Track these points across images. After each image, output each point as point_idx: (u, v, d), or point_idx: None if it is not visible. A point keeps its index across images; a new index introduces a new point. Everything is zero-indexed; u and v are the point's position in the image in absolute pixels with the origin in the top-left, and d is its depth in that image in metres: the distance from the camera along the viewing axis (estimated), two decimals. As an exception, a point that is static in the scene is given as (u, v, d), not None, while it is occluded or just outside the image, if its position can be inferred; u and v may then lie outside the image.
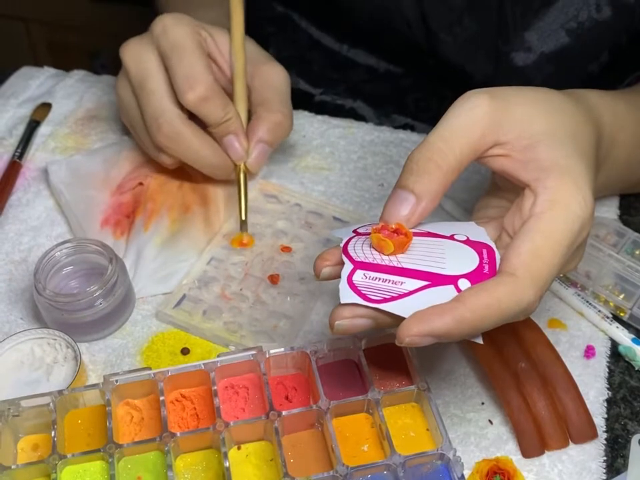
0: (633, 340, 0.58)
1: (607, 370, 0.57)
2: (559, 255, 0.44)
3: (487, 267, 0.46)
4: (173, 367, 0.52)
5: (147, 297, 0.63)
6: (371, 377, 0.52)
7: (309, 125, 0.77)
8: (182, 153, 0.64)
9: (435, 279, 0.45)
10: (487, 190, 0.54)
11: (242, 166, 0.66)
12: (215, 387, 0.51)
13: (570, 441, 0.53)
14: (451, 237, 0.48)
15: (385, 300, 0.44)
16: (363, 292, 0.44)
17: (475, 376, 0.57)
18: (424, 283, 0.45)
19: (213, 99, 0.62)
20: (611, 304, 0.60)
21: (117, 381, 0.51)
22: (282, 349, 0.53)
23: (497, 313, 0.43)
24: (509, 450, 0.53)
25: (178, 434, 0.49)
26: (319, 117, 0.77)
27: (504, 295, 0.43)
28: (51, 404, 0.51)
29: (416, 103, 0.82)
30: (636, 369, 0.57)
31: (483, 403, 0.56)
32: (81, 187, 0.68)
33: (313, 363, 0.52)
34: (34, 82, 0.82)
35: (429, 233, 0.49)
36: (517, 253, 0.44)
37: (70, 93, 0.81)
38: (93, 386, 0.52)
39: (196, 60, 0.62)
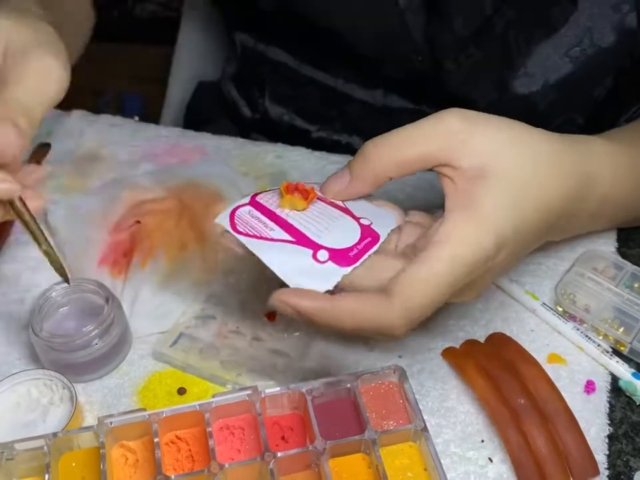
0: (634, 374, 0.57)
1: (608, 405, 0.57)
2: (435, 289, 0.46)
3: (355, 251, 0.49)
4: (168, 408, 0.52)
5: (143, 336, 0.62)
6: (367, 416, 0.51)
7: (306, 161, 0.77)
8: None
9: (302, 240, 0.49)
10: None
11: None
12: (210, 428, 0.50)
13: (571, 479, 0.52)
14: (355, 217, 0.51)
15: (247, 235, 0.49)
16: (236, 221, 0.50)
17: (474, 413, 0.56)
18: (290, 238, 0.49)
19: None
20: (611, 338, 0.60)
21: (111, 423, 0.51)
22: (277, 389, 0.53)
23: (354, 322, 0.45)
24: (509, 489, 0.52)
25: (172, 477, 0.48)
26: (316, 154, 0.78)
27: (369, 308, 0.45)
28: (45, 447, 0.50)
29: None
30: (637, 403, 0.57)
31: (482, 441, 0.55)
32: (78, 227, 0.68)
33: (309, 402, 0.52)
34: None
35: (343, 207, 0.52)
36: (401, 276, 0.46)
37: (69, 132, 0.81)
38: (87, 428, 0.51)
39: None
